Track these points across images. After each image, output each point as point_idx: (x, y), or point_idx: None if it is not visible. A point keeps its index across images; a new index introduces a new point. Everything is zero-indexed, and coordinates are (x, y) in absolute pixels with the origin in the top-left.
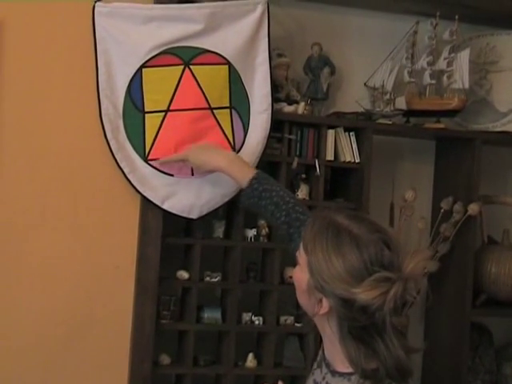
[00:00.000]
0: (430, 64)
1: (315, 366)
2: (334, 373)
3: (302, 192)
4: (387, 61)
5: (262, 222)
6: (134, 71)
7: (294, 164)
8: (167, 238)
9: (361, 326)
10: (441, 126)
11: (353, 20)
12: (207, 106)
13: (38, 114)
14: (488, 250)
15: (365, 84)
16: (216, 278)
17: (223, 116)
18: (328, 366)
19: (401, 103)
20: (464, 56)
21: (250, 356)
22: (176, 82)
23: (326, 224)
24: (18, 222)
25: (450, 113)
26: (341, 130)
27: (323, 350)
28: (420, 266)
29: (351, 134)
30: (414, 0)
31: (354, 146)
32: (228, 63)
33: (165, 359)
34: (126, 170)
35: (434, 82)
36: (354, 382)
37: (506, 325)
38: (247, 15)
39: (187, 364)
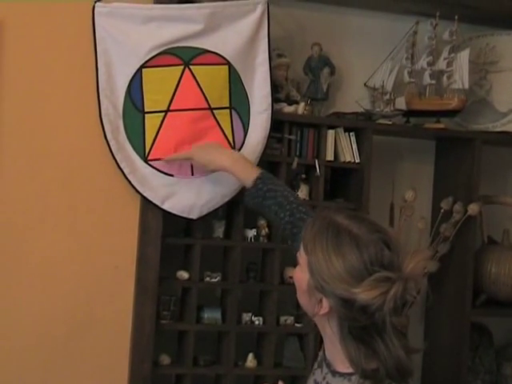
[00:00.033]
0: (429, 64)
1: (316, 365)
2: (334, 373)
3: (302, 192)
4: (387, 61)
5: (261, 222)
6: (134, 71)
7: (294, 164)
8: (167, 238)
9: (361, 326)
10: (441, 126)
11: (353, 20)
12: (207, 106)
13: (38, 114)
14: (488, 250)
15: (365, 84)
16: (216, 278)
17: (223, 116)
18: (328, 366)
19: (401, 103)
20: (464, 56)
21: (250, 356)
22: (176, 82)
23: (326, 224)
24: (18, 222)
25: (450, 113)
26: (341, 131)
27: (324, 350)
28: (420, 266)
29: (351, 134)
30: (413, 0)
31: (354, 146)
32: (228, 63)
33: (165, 359)
34: (126, 171)
35: (433, 82)
36: (354, 382)
37: (506, 325)
38: (247, 15)
39: (187, 364)
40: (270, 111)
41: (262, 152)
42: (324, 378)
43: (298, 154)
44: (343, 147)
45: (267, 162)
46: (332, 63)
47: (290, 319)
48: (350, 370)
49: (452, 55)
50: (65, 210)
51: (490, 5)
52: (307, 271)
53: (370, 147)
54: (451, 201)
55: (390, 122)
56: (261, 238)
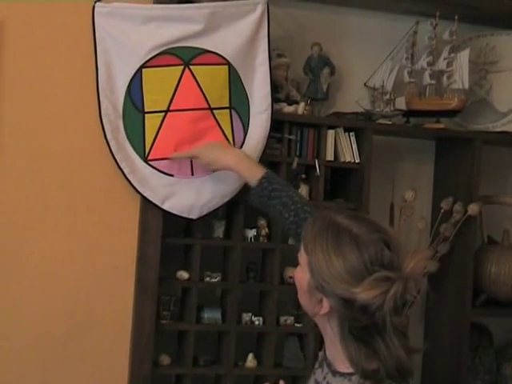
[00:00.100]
0: (429, 64)
1: (317, 365)
2: (334, 373)
3: (302, 192)
4: (387, 61)
5: (261, 222)
6: (134, 71)
7: (294, 164)
8: (167, 238)
9: (361, 326)
10: (441, 126)
11: (353, 20)
12: (207, 106)
13: (38, 114)
14: (488, 250)
15: (365, 84)
16: (216, 278)
17: (223, 116)
18: (329, 365)
19: (401, 103)
20: (464, 56)
21: (250, 356)
22: (176, 83)
23: (326, 224)
24: (18, 222)
25: (450, 113)
26: (341, 131)
27: (325, 350)
28: (420, 266)
29: (351, 134)
30: (413, 0)
31: (354, 146)
32: (228, 63)
33: (165, 359)
34: (126, 171)
35: (433, 82)
36: (354, 382)
37: (505, 325)
38: (247, 15)
39: (187, 364)
40: (270, 111)
41: (261, 152)
42: (324, 378)
43: (298, 153)
44: (343, 147)
45: (267, 161)
46: (332, 63)
47: (290, 319)
48: (351, 370)
49: (452, 55)
50: (65, 210)
51: (489, 5)
52: (308, 271)
53: (369, 147)
54: (451, 201)
55: (390, 122)
56: (261, 238)
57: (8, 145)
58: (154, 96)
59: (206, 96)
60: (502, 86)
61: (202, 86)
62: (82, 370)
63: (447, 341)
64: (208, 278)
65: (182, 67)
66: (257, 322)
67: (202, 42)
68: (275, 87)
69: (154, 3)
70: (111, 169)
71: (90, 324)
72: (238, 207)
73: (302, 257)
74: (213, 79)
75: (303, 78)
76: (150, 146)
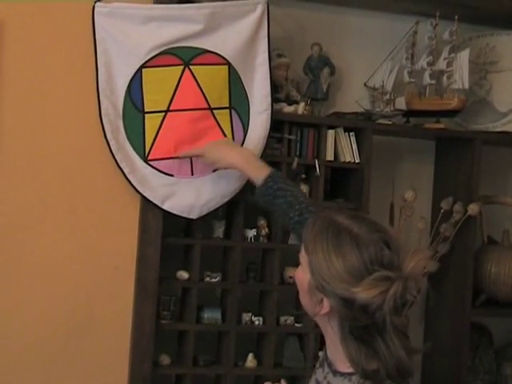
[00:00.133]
0: (429, 64)
1: (318, 365)
2: (335, 372)
3: None
4: (387, 61)
5: (261, 222)
6: (134, 71)
7: (294, 164)
8: (167, 238)
9: (362, 326)
10: (441, 126)
11: (353, 20)
12: (207, 106)
13: (38, 114)
14: (488, 250)
15: (365, 84)
16: (216, 278)
17: (223, 116)
18: (330, 365)
19: (401, 103)
20: (464, 56)
21: (250, 356)
22: (176, 83)
23: (327, 224)
24: (18, 222)
25: (450, 113)
26: (341, 131)
27: (325, 350)
28: (420, 266)
29: (351, 134)
30: (413, 0)
31: (354, 146)
32: (228, 63)
33: (165, 359)
34: (126, 171)
35: (433, 82)
36: (354, 382)
37: (505, 325)
38: (247, 15)
39: (187, 364)
40: (270, 111)
41: (261, 152)
42: (325, 378)
43: (297, 153)
44: (343, 147)
45: (267, 162)
46: (332, 63)
47: (290, 319)
48: (351, 370)
49: (452, 55)
50: (65, 210)
51: (490, 5)
52: (308, 271)
53: (369, 147)
54: (451, 201)
55: (390, 122)
56: (261, 238)
57: (8, 145)
58: (154, 96)
59: (206, 96)
60: (502, 86)
61: (201, 86)
62: (82, 370)
63: (447, 341)
64: (208, 278)
65: (181, 67)
66: (257, 322)
67: (201, 42)
68: (275, 87)
69: (154, 3)
70: (111, 169)
71: (90, 324)
72: (238, 207)
73: (303, 257)
74: (213, 79)
75: (303, 78)
76: (149, 146)
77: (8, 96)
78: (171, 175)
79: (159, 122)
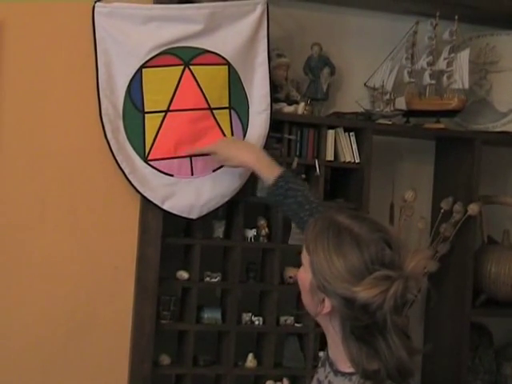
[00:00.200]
0: (429, 64)
1: (319, 364)
2: (336, 372)
3: None
4: (387, 61)
5: (261, 222)
6: (134, 71)
7: (294, 164)
8: (167, 238)
9: (363, 326)
10: (441, 126)
11: (353, 20)
12: (207, 106)
13: (38, 114)
14: (488, 250)
15: (365, 84)
16: (216, 278)
17: (222, 116)
18: (331, 365)
19: (401, 103)
20: (464, 56)
21: (250, 356)
22: (176, 83)
23: (327, 224)
24: (18, 222)
25: (450, 113)
26: (341, 131)
27: (327, 350)
28: (421, 265)
29: (351, 134)
30: (413, 0)
31: (354, 146)
32: (228, 63)
33: (165, 359)
34: (126, 171)
35: (433, 82)
36: (354, 382)
37: (505, 325)
38: (247, 15)
39: (187, 364)
40: (269, 111)
41: None
42: (326, 377)
43: (297, 153)
44: (343, 147)
45: None
46: (332, 63)
47: (290, 319)
48: (352, 370)
49: (452, 55)
50: (65, 210)
51: (489, 5)
52: (310, 271)
53: (369, 147)
54: (451, 201)
55: (390, 122)
56: (261, 238)
57: (8, 145)
58: (154, 96)
59: (206, 96)
60: (502, 86)
61: (201, 86)
62: (82, 370)
63: (447, 341)
64: (208, 278)
65: (181, 67)
66: (257, 322)
67: (201, 42)
68: (275, 87)
69: (154, 3)
70: (111, 169)
71: (90, 324)
72: (238, 207)
73: (305, 257)
74: (213, 79)
75: (303, 78)
76: (149, 146)
77: (8, 96)
78: (171, 175)
79: (159, 122)
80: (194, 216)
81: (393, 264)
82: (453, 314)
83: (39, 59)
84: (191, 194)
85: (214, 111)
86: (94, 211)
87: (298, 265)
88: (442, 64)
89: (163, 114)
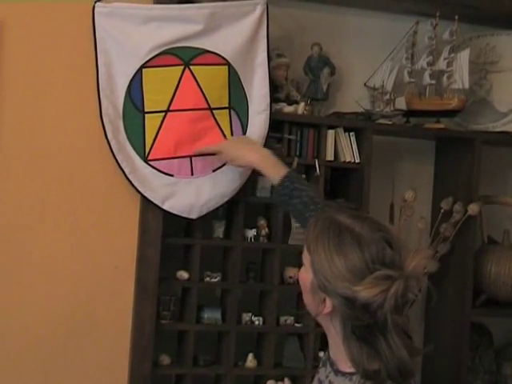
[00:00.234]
0: (429, 64)
1: (321, 364)
2: (337, 372)
3: None
4: (387, 61)
5: (261, 222)
6: (134, 71)
7: (294, 164)
8: (167, 238)
9: (364, 326)
10: (441, 126)
11: (353, 20)
12: (207, 106)
13: (38, 114)
14: (488, 251)
15: (365, 84)
16: (216, 278)
17: (222, 116)
18: (332, 365)
19: (401, 103)
20: (464, 56)
21: (250, 356)
22: (176, 83)
23: (328, 223)
24: (18, 223)
25: (450, 113)
26: (341, 131)
27: (328, 350)
28: (422, 265)
29: (351, 134)
30: (413, 0)
31: (354, 146)
32: (228, 64)
33: (165, 359)
34: (126, 171)
35: (433, 82)
36: (355, 382)
37: (506, 325)
38: (247, 16)
39: (187, 364)
40: (269, 111)
41: None
42: (327, 377)
43: (297, 153)
44: (343, 147)
45: None
46: (332, 63)
47: (290, 319)
48: (353, 370)
49: (452, 55)
50: (65, 210)
51: (490, 5)
52: (311, 271)
53: (370, 147)
54: (451, 201)
55: (390, 122)
56: (261, 238)
57: (8, 145)
58: (154, 96)
59: (206, 96)
60: (502, 86)
61: (201, 86)
62: (82, 370)
63: (447, 341)
64: (208, 278)
65: (182, 67)
66: (257, 322)
67: (201, 42)
68: (275, 87)
69: (154, 3)
70: (111, 169)
71: (90, 324)
72: (238, 207)
73: (305, 257)
74: (213, 79)
75: (303, 78)
76: (150, 146)
77: (8, 96)
78: (171, 175)
79: (159, 122)
80: (193, 216)
81: (393, 263)
82: (453, 314)
83: (39, 59)
84: (191, 194)
85: (214, 111)
86: (93, 211)
87: (298, 265)
88: (442, 64)
89: (163, 114)
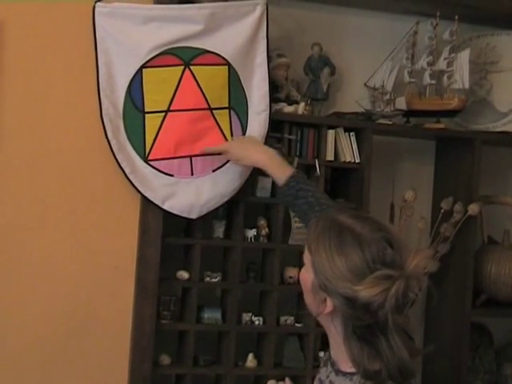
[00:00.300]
0: (430, 64)
1: (322, 364)
2: (337, 372)
3: None
4: (387, 61)
5: (261, 222)
6: (135, 71)
7: (294, 164)
8: (167, 238)
9: (365, 326)
10: (441, 126)
11: (353, 20)
12: (207, 106)
13: (38, 114)
14: (488, 251)
15: (365, 84)
16: (216, 278)
17: (222, 116)
18: (333, 364)
19: (401, 103)
20: (464, 56)
21: (250, 356)
22: (176, 83)
23: (329, 224)
24: (18, 223)
25: (450, 113)
26: (341, 131)
27: (329, 350)
28: (422, 265)
29: (351, 134)
30: (413, 0)
31: (354, 146)
32: (228, 64)
33: (165, 359)
34: (127, 171)
35: (434, 82)
36: (355, 382)
37: (506, 325)
38: (247, 16)
39: (187, 364)
40: (268, 112)
41: None
42: (327, 377)
43: (298, 153)
44: (343, 147)
45: None
46: (332, 63)
47: (290, 319)
48: (353, 370)
49: (452, 55)
50: (65, 210)
51: (490, 5)
52: (311, 271)
53: (370, 147)
54: (451, 201)
55: (390, 122)
56: (261, 238)
57: (8, 145)
58: (155, 96)
59: (206, 96)
60: (503, 86)
61: (201, 86)
62: (82, 370)
63: (447, 341)
64: (208, 278)
65: (182, 67)
66: (257, 322)
67: (202, 43)
68: (275, 87)
69: (155, 3)
70: (111, 169)
71: (90, 324)
72: (238, 207)
73: (306, 257)
74: (213, 79)
75: (303, 78)
76: (150, 146)
77: (8, 96)
78: (171, 175)
79: (159, 122)
80: (193, 216)
81: (394, 263)
82: (453, 314)
83: (39, 59)
84: (191, 194)
85: (214, 111)
86: (93, 211)
87: (298, 265)
88: (442, 64)
89: (163, 114)
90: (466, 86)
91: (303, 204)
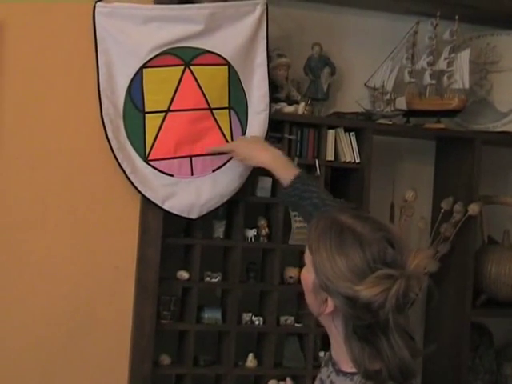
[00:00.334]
0: (430, 64)
1: (323, 364)
2: (338, 372)
3: None
4: (387, 61)
5: (262, 222)
6: (135, 71)
7: (294, 164)
8: (167, 238)
9: (365, 325)
10: (441, 126)
11: (353, 20)
12: (207, 106)
13: (38, 114)
14: (488, 251)
15: (365, 84)
16: (216, 278)
17: (222, 117)
18: (334, 364)
19: (401, 103)
20: (464, 56)
21: (250, 356)
22: (176, 83)
23: (330, 223)
24: (19, 223)
25: (451, 113)
26: (341, 131)
27: (331, 350)
28: (423, 264)
29: (351, 134)
30: (414, 0)
31: (354, 146)
32: (228, 64)
33: (165, 359)
34: (127, 171)
35: (434, 82)
36: (356, 382)
37: (506, 325)
38: (247, 16)
39: (187, 364)
40: (268, 112)
41: None
42: (328, 377)
43: (298, 153)
44: (343, 147)
45: None
46: (332, 63)
47: (290, 319)
48: (354, 370)
49: (452, 55)
50: (65, 210)
51: (490, 5)
52: (312, 271)
53: (370, 147)
54: (451, 201)
55: (390, 122)
56: (261, 238)
57: (8, 145)
58: (155, 96)
59: (206, 96)
60: (503, 86)
61: (202, 86)
62: (82, 370)
63: (447, 341)
64: (208, 278)
65: (182, 67)
66: (257, 322)
67: (202, 43)
68: (276, 87)
69: (155, 3)
70: (111, 169)
71: (90, 324)
72: (238, 207)
73: (307, 257)
74: (213, 79)
75: (303, 78)
76: (150, 146)
77: (8, 96)
78: (171, 175)
79: (159, 122)
80: (194, 216)
81: (395, 263)
82: (453, 314)
83: (39, 59)
84: (191, 194)
85: (214, 111)
86: (94, 211)
87: (299, 265)
88: (442, 64)
89: (163, 114)
90: (466, 85)
91: (308, 205)
